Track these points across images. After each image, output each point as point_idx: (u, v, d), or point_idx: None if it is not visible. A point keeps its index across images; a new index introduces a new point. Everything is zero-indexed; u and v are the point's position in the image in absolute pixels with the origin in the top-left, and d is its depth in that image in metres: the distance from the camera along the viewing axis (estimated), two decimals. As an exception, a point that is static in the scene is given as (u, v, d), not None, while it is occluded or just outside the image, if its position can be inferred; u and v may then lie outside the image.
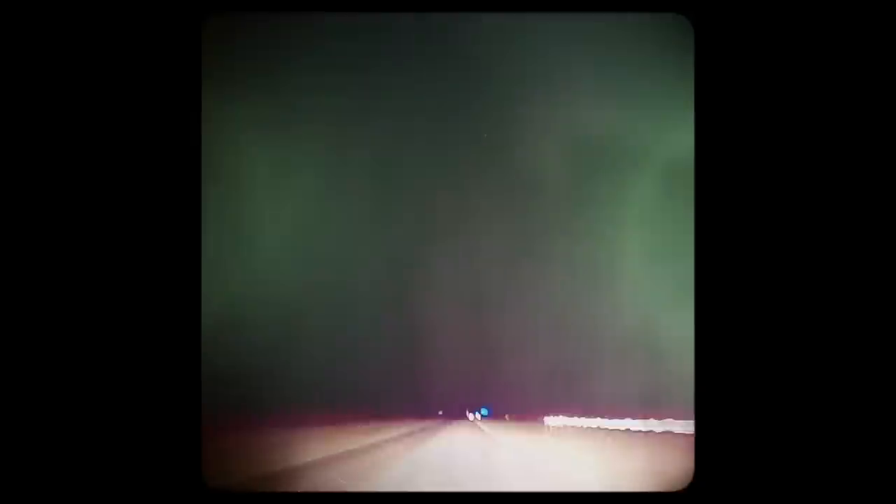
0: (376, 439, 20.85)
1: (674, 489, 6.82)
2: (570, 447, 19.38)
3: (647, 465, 11.73)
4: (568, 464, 13.54)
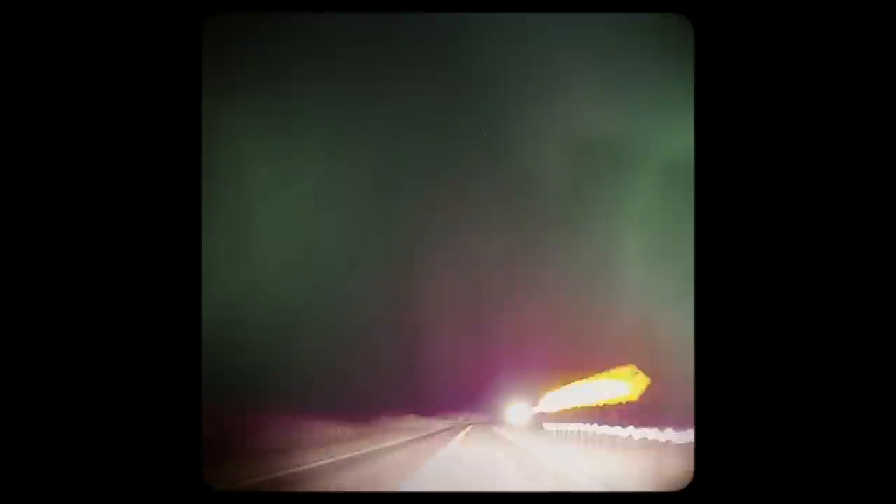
0: (379, 443, 20.85)
1: (673, 489, 6.82)
2: (569, 446, 19.37)
3: (647, 465, 11.73)
4: (568, 463, 13.54)
